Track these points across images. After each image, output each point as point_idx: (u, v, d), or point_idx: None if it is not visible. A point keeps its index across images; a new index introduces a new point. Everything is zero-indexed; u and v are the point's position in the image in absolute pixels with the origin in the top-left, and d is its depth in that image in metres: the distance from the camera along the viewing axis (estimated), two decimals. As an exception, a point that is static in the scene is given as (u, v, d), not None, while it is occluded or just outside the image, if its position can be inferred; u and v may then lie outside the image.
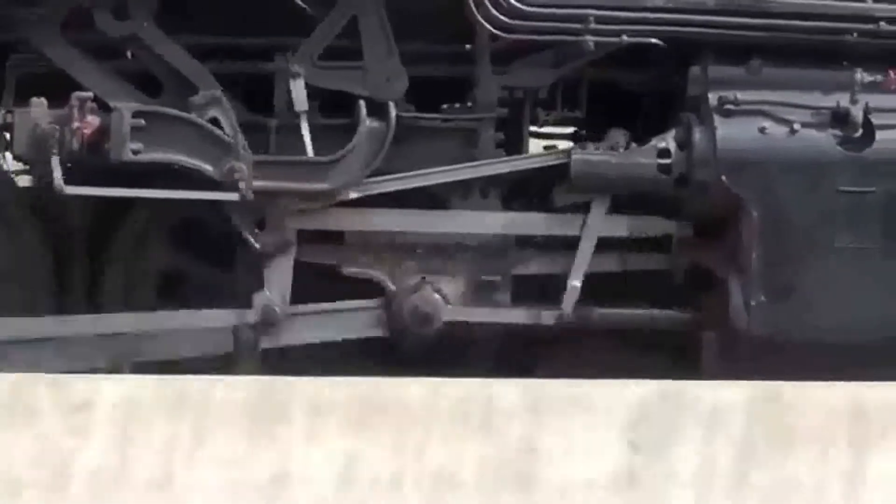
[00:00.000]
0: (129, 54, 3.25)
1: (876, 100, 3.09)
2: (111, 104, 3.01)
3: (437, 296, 3.04)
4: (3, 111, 3.06)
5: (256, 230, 3.05)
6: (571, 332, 3.22)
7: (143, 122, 2.98)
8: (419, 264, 3.10)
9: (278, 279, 3.04)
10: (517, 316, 3.12)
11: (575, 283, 3.08)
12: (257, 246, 3.02)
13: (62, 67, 3.05)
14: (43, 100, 2.99)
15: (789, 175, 3.07)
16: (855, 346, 3.04)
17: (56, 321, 3.15)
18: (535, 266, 3.18)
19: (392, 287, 3.06)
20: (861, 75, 3.07)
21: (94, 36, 3.10)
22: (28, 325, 3.08)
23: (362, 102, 3.07)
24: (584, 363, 3.18)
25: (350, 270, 3.12)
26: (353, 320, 3.12)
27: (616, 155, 3.17)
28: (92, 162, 3.04)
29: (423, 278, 3.07)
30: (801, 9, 3.15)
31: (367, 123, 3.06)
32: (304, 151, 3.08)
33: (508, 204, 3.24)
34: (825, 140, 3.09)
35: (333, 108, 3.22)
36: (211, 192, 3.00)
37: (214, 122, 3.07)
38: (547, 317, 3.10)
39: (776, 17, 3.14)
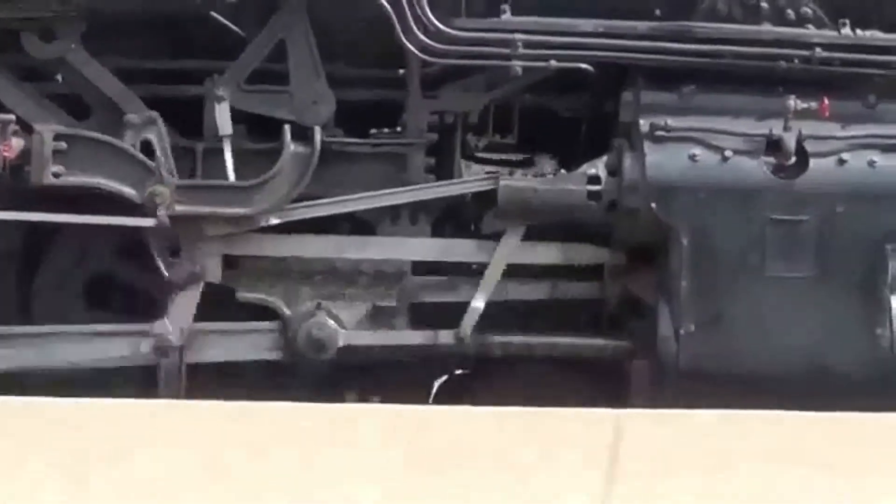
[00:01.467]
0: (59, 77, 3.25)
1: (810, 127, 3.04)
2: (34, 127, 3.00)
3: (331, 321, 2.99)
4: None
5: (171, 258, 3.00)
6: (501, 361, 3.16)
7: (64, 144, 2.97)
8: (315, 290, 3.05)
9: (181, 310, 3.00)
10: (414, 338, 3.07)
11: (476, 304, 3.02)
12: (166, 274, 2.98)
13: (-14, 90, 3.04)
14: (-37, 123, 2.97)
15: (720, 203, 3.02)
16: (785, 376, 2.97)
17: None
18: (436, 293, 3.13)
19: (287, 312, 3.02)
20: (795, 102, 3.01)
21: (22, 58, 3.09)
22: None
23: (287, 127, 3.04)
24: (518, 388, 3.15)
25: (244, 296, 3.07)
26: (253, 342, 3.07)
27: (545, 181, 3.13)
28: (16, 184, 3.02)
29: (319, 304, 3.02)
30: (735, 34, 3.12)
31: (292, 148, 3.03)
32: (238, 177, 3.06)
33: (439, 230, 3.20)
34: (757, 168, 3.04)
35: (266, 132, 3.20)
36: (130, 217, 2.96)
37: (147, 144, 3.05)
38: (445, 338, 3.04)
39: (709, 42, 3.11)
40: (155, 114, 3.04)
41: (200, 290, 3.01)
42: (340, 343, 2.98)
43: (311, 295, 3.03)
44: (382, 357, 3.06)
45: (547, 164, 3.16)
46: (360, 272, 3.09)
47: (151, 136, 3.04)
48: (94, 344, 3.05)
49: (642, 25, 3.10)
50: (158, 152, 3.03)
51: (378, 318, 3.07)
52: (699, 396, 2.78)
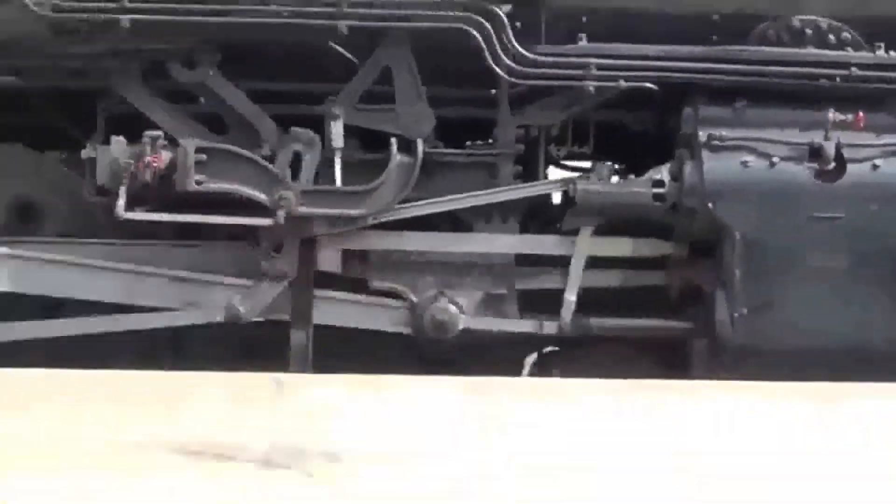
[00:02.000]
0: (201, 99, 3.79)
1: (847, 137, 3.51)
2: (179, 141, 3.54)
3: (453, 307, 3.52)
4: (90, 147, 3.58)
5: (273, 254, 3.54)
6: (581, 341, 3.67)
7: (204, 156, 3.50)
8: (437, 280, 3.58)
9: (260, 296, 3.55)
10: (524, 325, 3.59)
11: (570, 297, 3.54)
12: (263, 264, 3.53)
13: (141, 110, 3.58)
14: (121, 138, 3.51)
15: (768, 203, 3.50)
16: (824, 353, 3.45)
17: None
18: (537, 282, 3.65)
19: (413, 298, 3.54)
20: (834, 115, 3.48)
21: (169, 83, 3.64)
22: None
23: (394, 140, 3.56)
24: (593, 367, 3.62)
25: (378, 284, 3.60)
26: (381, 315, 3.61)
27: (616, 185, 3.63)
28: (163, 191, 3.56)
29: (441, 292, 3.55)
30: (781, 56, 3.59)
31: (398, 158, 3.55)
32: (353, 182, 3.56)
33: (525, 228, 3.71)
34: (801, 172, 3.51)
35: (376, 144, 3.70)
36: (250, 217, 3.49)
37: (297, 156, 3.57)
38: (549, 327, 3.56)
39: (758, 63, 3.58)
40: (315, 135, 3.56)
41: (285, 284, 3.55)
42: (460, 326, 3.52)
43: (433, 284, 3.56)
44: (490, 339, 3.59)
45: (605, 169, 3.63)
46: (473, 264, 3.61)
47: (307, 150, 3.55)
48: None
49: (700, 49, 3.58)
50: (309, 164, 3.54)
51: (490, 304, 3.60)
52: (751, 371, 3.28)
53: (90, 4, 3.40)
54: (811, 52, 3.61)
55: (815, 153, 3.51)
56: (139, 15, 3.38)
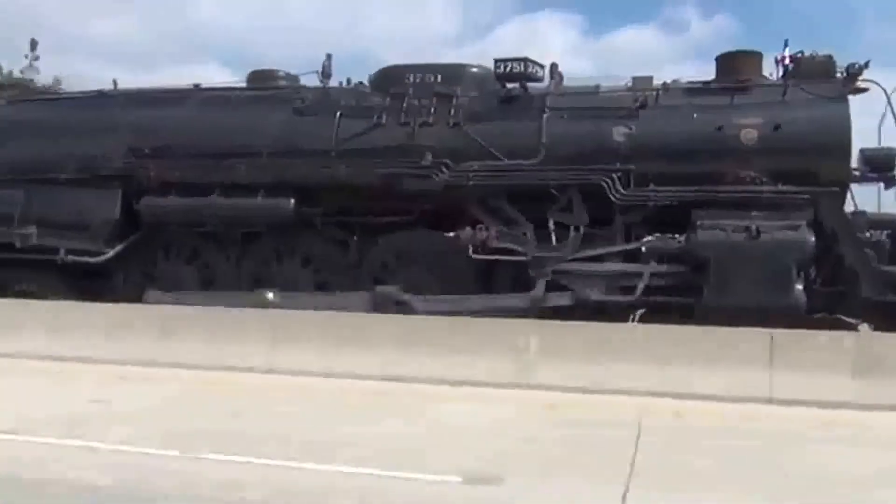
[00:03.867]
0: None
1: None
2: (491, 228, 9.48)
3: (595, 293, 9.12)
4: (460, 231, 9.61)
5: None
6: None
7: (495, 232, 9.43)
8: (593, 282, 9.24)
9: (541, 288, 9.25)
10: (627, 300, 9.20)
11: (640, 284, 9.01)
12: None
13: (477, 215, 9.60)
14: (469, 228, 9.54)
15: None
16: None
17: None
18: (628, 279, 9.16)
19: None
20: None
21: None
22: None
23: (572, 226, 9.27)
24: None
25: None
26: (565, 297, 9.25)
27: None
28: (486, 248, 9.49)
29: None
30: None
31: (573, 234, 9.24)
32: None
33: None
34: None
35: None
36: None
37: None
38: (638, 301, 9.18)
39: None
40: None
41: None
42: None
43: (593, 284, 9.19)
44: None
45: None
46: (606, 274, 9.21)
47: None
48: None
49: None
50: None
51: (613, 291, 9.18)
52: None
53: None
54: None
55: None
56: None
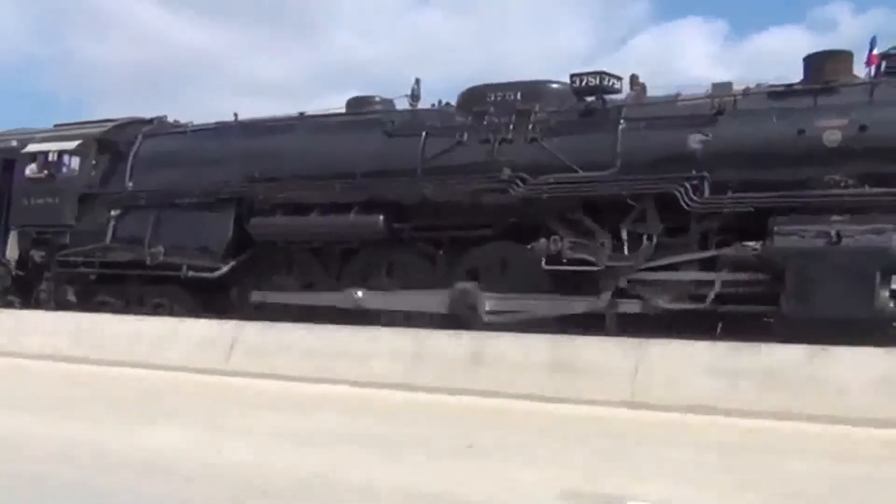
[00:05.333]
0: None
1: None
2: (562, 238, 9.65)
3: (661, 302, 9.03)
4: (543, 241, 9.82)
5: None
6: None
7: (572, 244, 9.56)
8: (659, 290, 9.17)
9: (606, 297, 9.29)
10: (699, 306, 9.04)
11: (710, 294, 8.88)
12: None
13: (553, 227, 9.79)
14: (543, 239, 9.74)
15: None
16: None
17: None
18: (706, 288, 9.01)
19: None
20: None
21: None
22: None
23: (644, 235, 9.27)
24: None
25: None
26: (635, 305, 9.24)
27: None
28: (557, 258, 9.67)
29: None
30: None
31: (645, 244, 9.23)
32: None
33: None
34: None
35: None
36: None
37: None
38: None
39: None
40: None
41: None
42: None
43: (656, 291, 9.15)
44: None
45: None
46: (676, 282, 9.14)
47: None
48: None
49: (772, 194, 8.68)
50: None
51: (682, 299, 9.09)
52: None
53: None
54: None
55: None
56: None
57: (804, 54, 9.45)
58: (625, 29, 49.25)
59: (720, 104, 9.38)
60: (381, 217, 10.70)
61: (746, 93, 9.54)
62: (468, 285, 10.12)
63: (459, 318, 9.98)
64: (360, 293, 10.66)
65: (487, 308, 9.93)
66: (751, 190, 8.89)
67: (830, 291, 8.21)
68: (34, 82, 49.83)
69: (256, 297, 11.36)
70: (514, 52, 41.76)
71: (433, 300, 10.22)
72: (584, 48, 45.25)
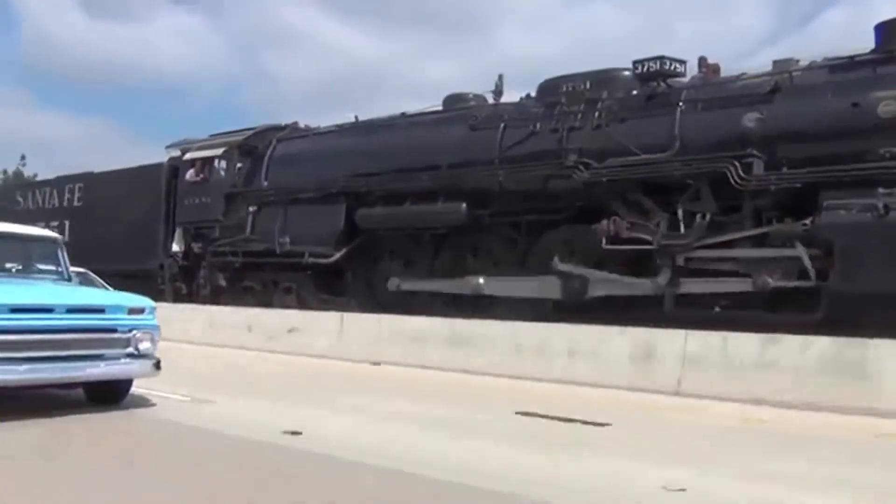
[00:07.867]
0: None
1: None
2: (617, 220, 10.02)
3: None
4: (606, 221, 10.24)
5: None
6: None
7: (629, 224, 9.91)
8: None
9: (666, 275, 9.56)
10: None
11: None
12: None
13: (616, 209, 10.18)
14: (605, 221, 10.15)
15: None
16: None
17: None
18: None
19: None
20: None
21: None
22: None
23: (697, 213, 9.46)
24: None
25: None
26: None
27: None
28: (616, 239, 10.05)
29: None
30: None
31: (699, 221, 9.43)
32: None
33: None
34: None
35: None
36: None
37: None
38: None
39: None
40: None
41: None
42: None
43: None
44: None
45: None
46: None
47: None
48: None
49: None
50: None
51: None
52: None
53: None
54: None
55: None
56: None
57: None
58: (809, 4, 45.91)
59: (778, 82, 9.34)
60: (464, 204, 11.57)
61: (809, 67, 9.41)
62: (575, 270, 10.57)
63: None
64: (480, 280, 11.49)
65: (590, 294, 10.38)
66: (805, 166, 8.82)
67: (880, 266, 8.05)
68: (232, 98, 55.45)
69: (392, 283, 12.49)
70: (690, 37, 40.23)
71: (546, 286, 10.80)
72: (762, 29, 42.82)
